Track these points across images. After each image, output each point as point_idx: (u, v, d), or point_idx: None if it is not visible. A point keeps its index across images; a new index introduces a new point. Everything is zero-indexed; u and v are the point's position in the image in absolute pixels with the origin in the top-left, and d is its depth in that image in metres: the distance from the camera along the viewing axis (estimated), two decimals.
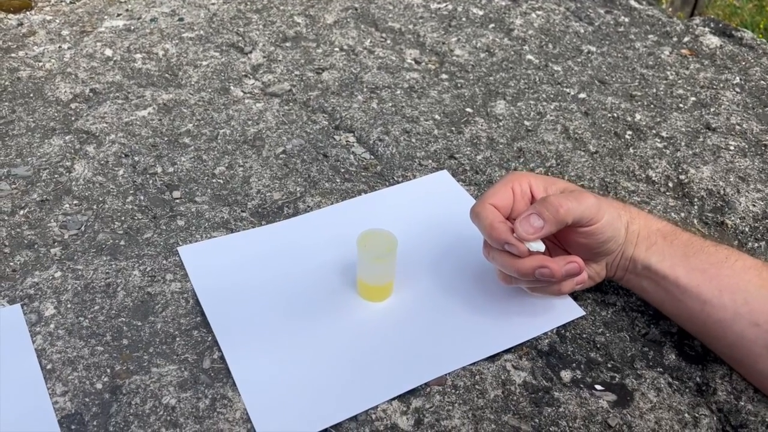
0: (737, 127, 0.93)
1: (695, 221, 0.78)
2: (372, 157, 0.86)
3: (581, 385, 0.60)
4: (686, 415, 0.57)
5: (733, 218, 0.78)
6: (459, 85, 1.01)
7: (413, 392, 0.59)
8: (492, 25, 1.17)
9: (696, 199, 0.81)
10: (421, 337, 0.63)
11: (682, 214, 0.79)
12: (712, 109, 0.97)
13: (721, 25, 1.21)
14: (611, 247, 0.62)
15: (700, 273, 0.60)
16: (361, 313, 0.65)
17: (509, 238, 0.58)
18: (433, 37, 1.12)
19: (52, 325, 0.63)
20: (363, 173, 0.83)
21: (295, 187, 0.80)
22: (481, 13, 1.21)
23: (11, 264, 0.69)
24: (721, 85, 1.03)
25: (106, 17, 1.13)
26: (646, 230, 0.62)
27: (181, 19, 1.13)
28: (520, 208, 0.62)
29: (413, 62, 1.06)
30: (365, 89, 0.99)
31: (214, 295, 0.66)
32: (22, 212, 0.75)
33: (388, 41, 1.11)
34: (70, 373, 0.59)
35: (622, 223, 0.62)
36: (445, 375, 0.60)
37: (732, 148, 0.89)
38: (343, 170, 0.84)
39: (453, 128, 0.92)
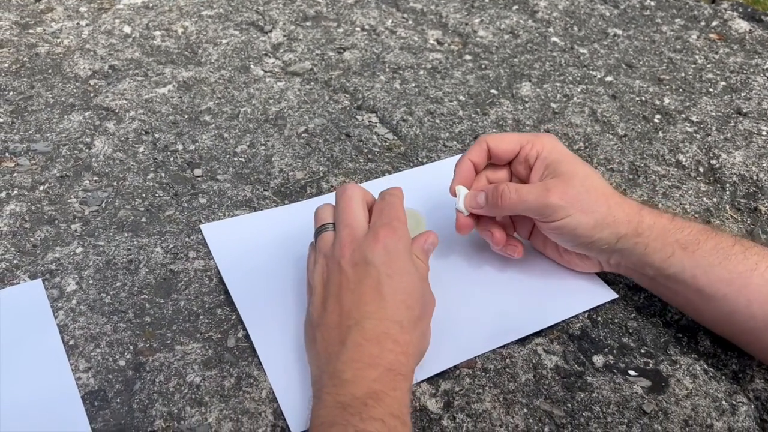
0: None
1: (727, 207, 0.76)
2: (395, 137, 0.85)
3: (614, 370, 0.58)
4: (723, 402, 0.56)
5: (767, 204, 0.76)
6: (483, 66, 0.99)
7: (442, 375, 0.57)
8: (516, 7, 1.15)
9: (728, 185, 0.79)
10: (450, 319, 0.61)
11: (714, 200, 0.77)
12: (743, 94, 0.95)
13: (749, 9, 1.18)
14: (589, 248, 0.60)
15: (726, 284, 0.55)
16: None
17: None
18: (456, 17, 1.10)
19: (74, 301, 0.62)
20: (386, 154, 0.82)
21: (318, 166, 0.79)
22: None
23: (32, 239, 0.68)
24: (752, 69, 1.01)
25: None
26: (661, 241, 0.57)
27: None
28: (518, 169, 0.63)
29: (435, 43, 1.04)
30: (387, 69, 0.97)
31: (237, 273, 0.65)
32: (42, 188, 0.74)
33: (410, 21, 1.09)
34: (92, 349, 0.58)
35: (615, 229, 0.58)
36: (475, 358, 0.58)
37: (765, 133, 0.87)
38: (366, 150, 0.82)
39: (478, 109, 0.90)
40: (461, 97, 0.92)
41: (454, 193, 0.63)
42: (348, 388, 0.47)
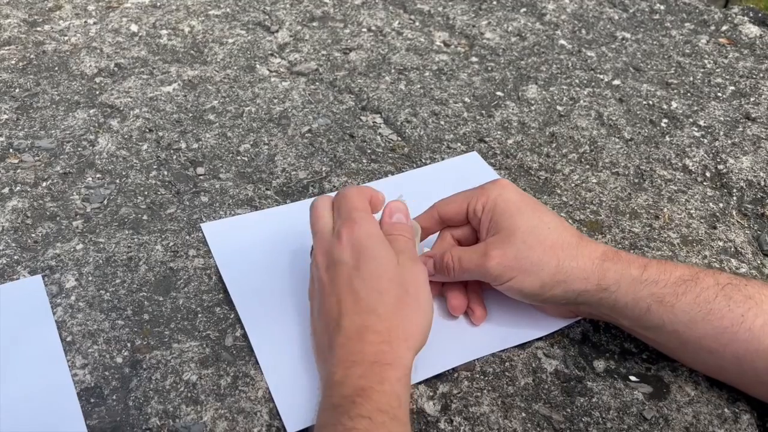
0: None
1: (734, 212, 0.75)
2: (399, 138, 0.84)
3: (615, 376, 0.57)
4: (725, 410, 0.55)
5: None
6: (489, 68, 0.98)
7: (440, 377, 0.57)
8: (523, 9, 1.14)
9: (735, 190, 0.78)
10: (449, 321, 0.61)
11: (721, 205, 0.76)
12: (752, 99, 0.94)
13: (760, 14, 1.17)
14: (548, 303, 0.56)
15: (712, 340, 0.51)
16: None
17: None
18: (463, 19, 1.10)
19: (72, 297, 0.62)
20: (390, 154, 0.81)
21: (320, 166, 0.79)
22: None
23: (33, 235, 0.68)
24: (761, 75, 0.99)
25: None
26: (632, 296, 0.53)
27: None
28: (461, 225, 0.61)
29: (442, 44, 1.04)
30: (393, 70, 0.96)
31: (237, 272, 0.64)
32: (44, 184, 0.74)
33: (417, 23, 1.09)
34: (90, 346, 0.58)
35: (569, 286, 0.54)
36: (474, 361, 0.58)
37: None
38: (369, 151, 0.82)
39: (483, 111, 0.89)
40: (466, 99, 0.91)
41: None
42: (338, 389, 0.47)
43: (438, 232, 0.63)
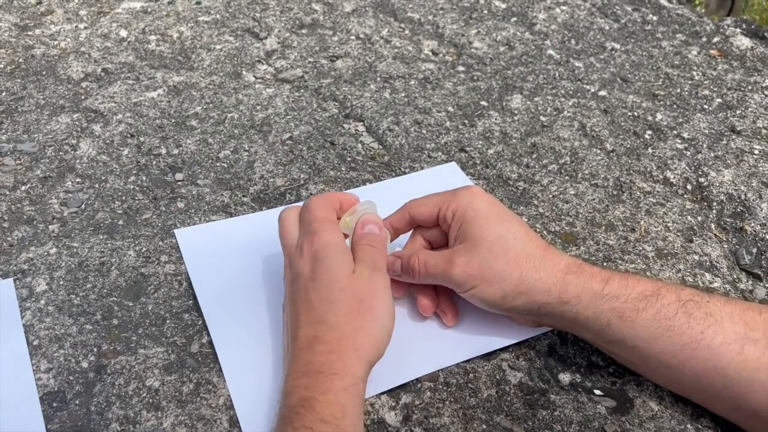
0: (763, 130, 0.89)
1: (712, 226, 0.75)
2: (380, 146, 0.84)
3: (579, 389, 0.57)
4: (689, 425, 0.54)
5: (753, 224, 0.74)
6: (475, 77, 0.98)
7: (403, 387, 0.57)
8: (514, 19, 1.14)
9: (715, 203, 0.78)
10: (414, 330, 0.61)
11: (699, 218, 0.75)
12: (738, 112, 0.93)
13: (753, 26, 1.17)
14: (511, 312, 0.57)
15: (671, 356, 0.51)
16: None
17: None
18: (452, 28, 1.10)
19: (42, 302, 0.62)
20: (369, 163, 0.82)
21: (299, 173, 0.79)
22: (503, 6, 1.18)
23: (8, 239, 0.69)
24: (750, 87, 0.99)
25: None
26: (593, 310, 0.53)
27: (198, 2, 1.12)
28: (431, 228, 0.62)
29: (430, 53, 1.04)
30: (378, 78, 0.97)
31: (207, 279, 0.65)
32: (23, 188, 0.75)
33: (406, 31, 1.09)
34: (56, 350, 0.58)
35: (530, 298, 0.54)
36: (438, 371, 0.58)
37: (757, 152, 0.85)
38: (349, 159, 0.82)
39: (466, 121, 0.89)
40: (450, 108, 0.91)
41: None
42: (286, 400, 0.47)
43: (410, 231, 0.63)
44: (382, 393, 0.56)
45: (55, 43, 1.00)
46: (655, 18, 1.18)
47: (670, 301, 0.52)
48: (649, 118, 0.91)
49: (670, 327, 0.51)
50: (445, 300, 0.61)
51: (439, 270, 0.56)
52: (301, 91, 0.94)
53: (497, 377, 0.58)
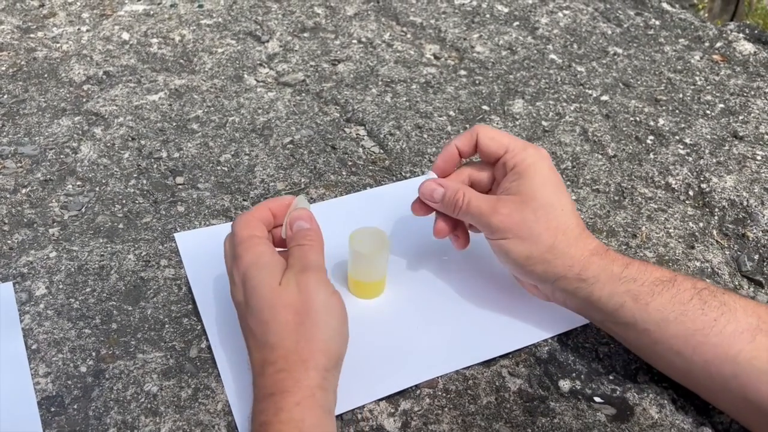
0: (766, 136, 0.89)
1: (714, 232, 0.75)
2: (381, 151, 0.84)
3: (579, 397, 0.57)
4: None
5: (755, 231, 0.74)
6: (477, 81, 0.98)
7: (402, 393, 0.56)
8: (516, 23, 1.14)
9: (717, 209, 0.77)
10: (413, 337, 0.61)
11: (701, 224, 0.75)
12: (740, 117, 0.93)
13: (756, 31, 1.16)
14: (526, 277, 0.58)
15: (682, 340, 0.52)
16: (350, 309, 0.62)
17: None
18: (454, 32, 1.10)
19: (41, 305, 0.62)
20: (370, 167, 0.81)
21: (299, 177, 0.79)
22: (506, 10, 1.18)
23: (8, 242, 0.69)
24: (752, 92, 0.99)
25: (126, 1, 1.13)
26: (609, 290, 0.54)
27: (200, 6, 1.12)
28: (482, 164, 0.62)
29: (432, 57, 1.04)
30: (380, 83, 0.97)
31: (206, 283, 0.64)
32: (24, 191, 0.75)
33: (408, 35, 1.09)
34: (54, 354, 0.58)
35: (550, 267, 0.55)
36: (437, 378, 0.57)
37: (759, 158, 0.85)
38: (350, 163, 0.82)
39: (467, 125, 0.89)
40: (451, 113, 0.91)
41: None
42: (251, 427, 0.48)
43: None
44: (381, 399, 0.56)
45: (57, 45, 1.00)
46: (657, 22, 1.17)
47: (686, 288, 0.53)
48: (651, 123, 0.91)
49: (684, 312, 0.52)
50: (461, 226, 0.63)
51: (480, 212, 0.57)
52: (303, 94, 0.93)
53: (497, 384, 0.57)
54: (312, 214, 0.57)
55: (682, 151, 0.86)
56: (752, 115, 0.93)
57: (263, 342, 0.50)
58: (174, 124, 0.86)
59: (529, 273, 0.57)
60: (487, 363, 0.59)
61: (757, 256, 0.72)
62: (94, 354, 0.59)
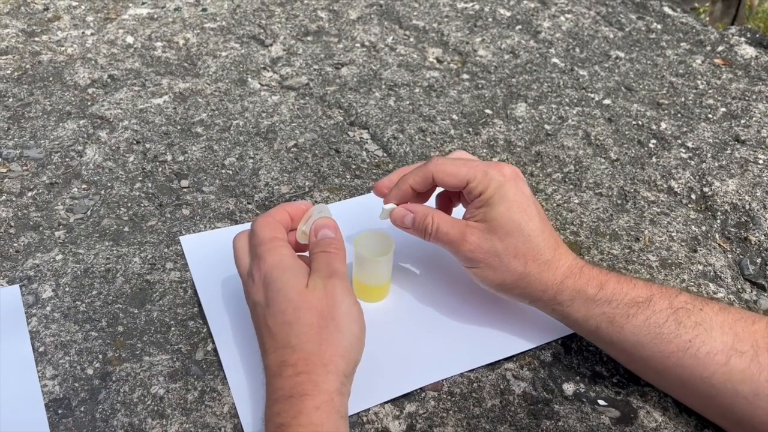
0: None
1: (717, 236, 0.75)
2: (385, 154, 0.85)
3: (584, 399, 0.57)
4: None
5: (757, 234, 0.74)
6: (480, 85, 0.99)
7: (407, 396, 0.57)
8: (519, 27, 1.15)
9: (719, 213, 0.78)
10: (418, 339, 0.61)
11: (703, 228, 0.75)
12: (742, 121, 0.93)
13: (758, 35, 1.17)
14: (505, 296, 0.59)
15: (658, 362, 0.52)
16: None
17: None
18: (457, 36, 1.10)
19: (48, 308, 0.62)
20: (374, 170, 0.82)
21: (304, 181, 0.79)
22: (508, 14, 1.18)
23: (15, 245, 0.69)
24: (754, 96, 0.99)
25: (130, 5, 1.13)
26: (584, 313, 0.55)
27: (204, 9, 1.13)
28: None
29: (435, 61, 1.04)
30: (383, 86, 0.97)
31: (212, 286, 0.65)
32: (30, 194, 0.75)
33: (411, 39, 1.10)
34: (61, 357, 0.58)
35: (525, 291, 0.57)
36: (442, 381, 0.58)
37: (761, 161, 0.85)
38: (354, 166, 0.82)
39: (470, 129, 0.89)
40: (454, 116, 0.92)
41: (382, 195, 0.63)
42: (266, 428, 0.48)
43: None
44: (386, 402, 0.56)
45: (62, 49, 1.01)
46: (659, 26, 1.18)
47: (662, 308, 0.53)
48: (654, 127, 0.92)
49: (659, 335, 0.52)
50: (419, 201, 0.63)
51: (449, 239, 0.58)
52: (306, 98, 0.94)
53: (501, 387, 0.58)
54: (337, 224, 0.58)
55: (684, 155, 0.86)
56: (754, 118, 0.94)
57: (284, 343, 0.50)
58: (178, 127, 0.86)
59: (505, 295, 0.59)
60: (492, 366, 0.59)
61: (760, 259, 0.72)
62: (100, 356, 0.59)
